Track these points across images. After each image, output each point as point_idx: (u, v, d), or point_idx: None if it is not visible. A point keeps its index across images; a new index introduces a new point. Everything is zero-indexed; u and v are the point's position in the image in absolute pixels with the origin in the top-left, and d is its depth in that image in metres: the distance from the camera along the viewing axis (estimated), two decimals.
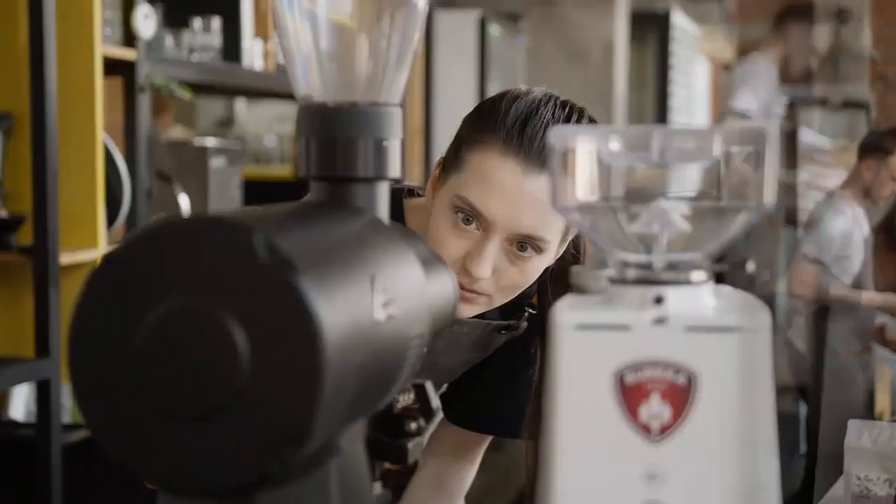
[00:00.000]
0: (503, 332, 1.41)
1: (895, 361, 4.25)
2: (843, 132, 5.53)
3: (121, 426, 0.62)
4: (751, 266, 3.83)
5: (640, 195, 0.73)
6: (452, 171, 1.28)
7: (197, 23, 3.01)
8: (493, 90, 5.72)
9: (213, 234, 0.61)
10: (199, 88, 3.19)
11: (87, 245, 2.48)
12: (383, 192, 0.81)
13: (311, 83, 0.81)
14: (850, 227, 4.10)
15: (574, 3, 5.33)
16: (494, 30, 4.89)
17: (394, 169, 0.82)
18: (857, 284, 4.12)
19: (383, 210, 0.81)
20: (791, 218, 4.76)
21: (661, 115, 7.53)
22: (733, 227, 0.70)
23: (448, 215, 1.26)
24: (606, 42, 5.42)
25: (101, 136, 2.50)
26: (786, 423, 4.22)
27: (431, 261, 0.85)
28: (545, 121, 1.24)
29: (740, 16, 9.95)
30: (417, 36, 0.83)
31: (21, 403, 2.67)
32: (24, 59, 2.38)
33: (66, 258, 2.39)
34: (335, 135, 0.79)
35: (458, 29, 4.82)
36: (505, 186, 1.22)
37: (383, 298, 0.68)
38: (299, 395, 0.60)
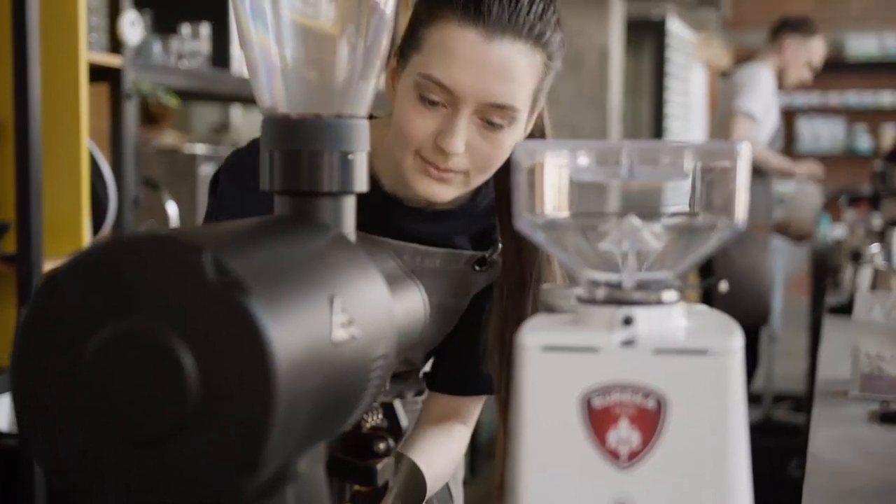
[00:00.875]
0: (477, 267, 1.39)
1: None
2: None
3: (67, 450, 0.60)
4: (724, 286, 3.86)
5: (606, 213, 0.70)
6: (412, 53, 1.26)
7: (185, 29, 2.98)
8: None
9: (161, 253, 0.59)
10: (187, 95, 3.16)
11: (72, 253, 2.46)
12: (349, 206, 0.79)
13: (274, 95, 0.79)
14: (773, 92, 4.37)
15: (569, 11, 5.30)
16: None
17: (360, 183, 0.79)
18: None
19: (349, 224, 0.79)
20: (782, 229, 4.80)
21: (658, 122, 7.51)
22: (706, 246, 0.68)
23: (412, 97, 1.24)
24: (602, 49, 5.40)
25: (87, 143, 2.47)
26: None
27: (398, 277, 0.83)
28: None
29: (736, 23, 9.95)
30: (385, 45, 0.81)
31: (5, 413, 2.64)
32: (8, 66, 2.36)
33: (50, 266, 2.37)
34: (299, 147, 0.77)
35: None
36: (467, 56, 1.20)
37: (343, 319, 0.66)
38: (250, 420, 0.57)
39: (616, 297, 0.67)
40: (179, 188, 3.06)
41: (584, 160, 0.67)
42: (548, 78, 1.28)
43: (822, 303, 3.79)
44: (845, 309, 2.84)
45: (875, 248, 3.02)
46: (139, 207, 2.75)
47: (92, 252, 0.60)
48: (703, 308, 0.73)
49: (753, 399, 5.36)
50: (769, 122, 4.43)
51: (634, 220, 0.68)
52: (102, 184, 2.54)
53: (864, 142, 9.82)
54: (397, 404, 0.87)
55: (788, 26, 4.44)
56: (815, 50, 4.52)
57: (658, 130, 7.42)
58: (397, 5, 0.85)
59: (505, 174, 1.29)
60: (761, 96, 4.37)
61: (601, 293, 0.68)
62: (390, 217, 1.37)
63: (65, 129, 2.45)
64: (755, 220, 4.44)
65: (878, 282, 2.77)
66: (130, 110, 2.64)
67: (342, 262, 0.71)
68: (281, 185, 0.77)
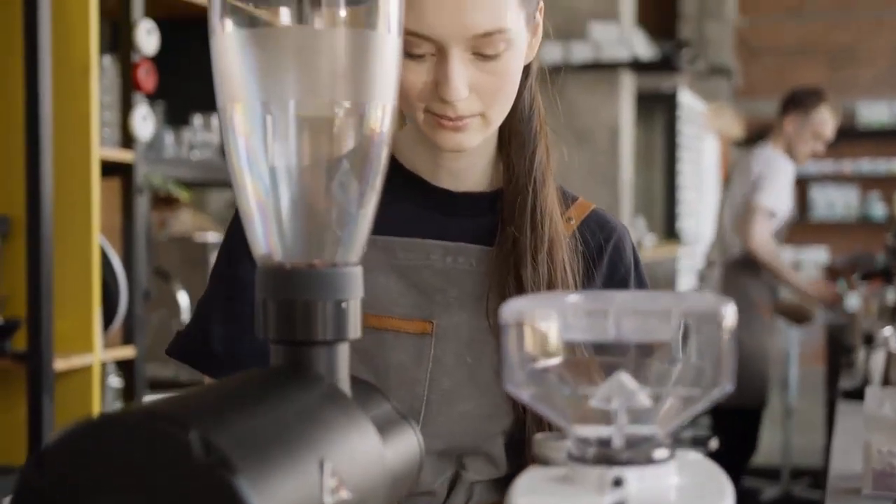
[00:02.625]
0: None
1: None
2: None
3: None
4: (714, 443, 3.85)
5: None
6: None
7: (197, 120, 3.02)
8: None
9: (148, 431, 0.59)
10: (200, 183, 3.19)
11: (83, 350, 2.46)
12: (343, 354, 0.79)
13: (269, 243, 0.80)
14: (791, 179, 4.35)
15: (579, 88, 5.34)
16: None
17: (354, 330, 0.80)
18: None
19: (343, 372, 0.79)
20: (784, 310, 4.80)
21: (670, 192, 7.53)
22: (696, 406, 0.68)
23: (402, 58, 1.16)
24: (612, 125, 5.43)
25: (98, 240, 2.50)
26: None
27: (392, 421, 0.83)
28: None
29: (748, 92, 10.02)
30: (375, 197, 0.81)
31: None
32: (21, 162, 2.39)
33: (60, 364, 2.37)
34: (293, 297, 0.78)
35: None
36: None
37: (333, 482, 0.66)
38: None
39: (606, 457, 0.67)
40: (191, 276, 3.07)
41: (571, 319, 0.67)
42: None
43: (836, 382, 3.76)
44: (859, 393, 2.82)
45: (888, 330, 3.00)
46: (150, 299, 2.77)
47: (79, 429, 0.60)
48: (696, 456, 0.73)
49: (772, 474, 5.31)
50: (786, 207, 4.44)
51: (624, 378, 0.68)
52: (114, 279, 2.55)
53: (878, 209, 9.83)
54: None
55: (789, 103, 4.45)
56: (819, 122, 4.48)
57: (671, 203, 7.45)
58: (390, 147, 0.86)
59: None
60: (782, 189, 4.36)
61: (591, 452, 0.67)
62: (417, 203, 1.28)
63: (76, 225, 2.47)
64: (760, 302, 4.44)
65: (891, 366, 2.75)
66: (142, 204, 2.67)
67: (333, 419, 0.71)
68: (275, 334, 0.78)
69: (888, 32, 9.69)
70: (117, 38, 2.72)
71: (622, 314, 0.66)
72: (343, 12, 0.76)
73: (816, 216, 10.02)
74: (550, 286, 1.22)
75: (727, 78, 9.49)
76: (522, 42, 1.19)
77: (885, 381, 2.72)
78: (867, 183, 9.89)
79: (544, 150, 1.28)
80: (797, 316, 4.80)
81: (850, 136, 9.78)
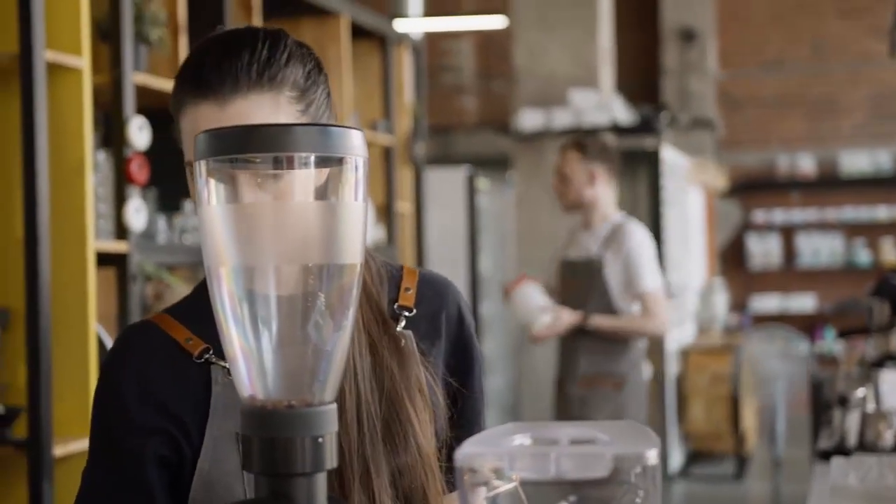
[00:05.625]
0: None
1: None
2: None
3: None
4: None
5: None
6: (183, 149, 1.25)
7: (188, 205, 3.13)
8: (483, 241, 5.84)
9: None
10: (191, 265, 3.29)
11: (81, 435, 2.55)
12: (321, 483, 0.89)
13: (253, 385, 0.90)
14: None
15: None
16: (483, 183, 5.03)
17: (331, 461, 0.90)
18: None
19: (320, 500, 0.89)
20: None
21: (656, 247, 7.63)
22: None
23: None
24: None
25: (94, 328, 2.59)
26: None
27: None
28: (224, 46, 1.23)
29: (731, 143, 10.18)
30: (348, 335, 0.91)
31: None
32: (19, 255, 2.49)
33: (59, 450, 2.46)
34: (274, 435, 0.88)
35: (447, 183, 4.95)
36: (209, 128, 1.11)
37: None
38: None
39: None
40: None
41: (517, 464, 0.77)
42: (311, 108, 1.25)
43: (818, 437, 3.84)
44: (835, 454, 2.90)
45: (861, 392, 3.09)
46: None
47: None
48: None
49: None
50: None
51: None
52: None
53: (863, 256, 9.96)
54: None
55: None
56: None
57: (657, 257, 7.54)
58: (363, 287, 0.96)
59: None
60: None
61: None
62: None
63: (74, 315, 2.57)
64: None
65: (866, 427, 2.83)
66: (135, 292, 2.77)
67: None
68: (259, 467, 0.88)
69: (865, 84, 9.87)
70: (110, 134, 2.84)
71: (561, 458, 0.76)
72: (312, 185, 0.87)
73: (803, 264, 10.14)
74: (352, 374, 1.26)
75: (710, 130, 9.65)
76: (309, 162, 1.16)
77: (861, 443, 2.80)
78: (851, 230, 10.03)
79: None
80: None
81: (833, 185, 9.94)
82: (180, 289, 3.45)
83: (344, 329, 0.91)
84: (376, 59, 4.56)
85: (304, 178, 0.88)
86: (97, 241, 2.65)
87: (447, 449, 1.29)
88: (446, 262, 4.80)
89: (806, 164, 10.05)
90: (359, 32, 4.36)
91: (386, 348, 1.29)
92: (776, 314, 9.86)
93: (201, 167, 0.88)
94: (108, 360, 1.31)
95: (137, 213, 2.76)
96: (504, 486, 0.80)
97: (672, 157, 7.87)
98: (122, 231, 2.76)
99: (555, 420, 3.59)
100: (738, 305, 9.99)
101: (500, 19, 6.64)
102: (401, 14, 4.82)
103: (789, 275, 10.18)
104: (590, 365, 4.03)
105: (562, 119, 5.34)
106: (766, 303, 10.14)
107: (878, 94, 9.83)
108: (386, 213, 4.44)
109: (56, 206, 2.54)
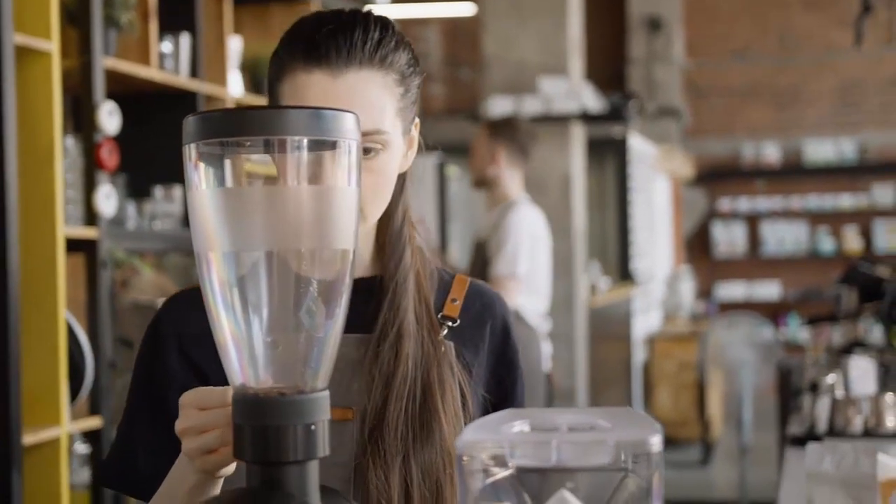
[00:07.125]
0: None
1: None
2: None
3: None
4: None
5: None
6: None
7: (159, 192, 3.10)
8: (453, 229, 5.83)
9: None
10: (162, 251, 3.26)
11: (50, 423, 2.52)
12: (313, 471, 0.88)
13: (244, 373, 0.88)
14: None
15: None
16: (452, 171, 5.02)
17: (323, 448, 0.88)
18: None
19: (313, 488, 0.88)
20: None
21: (623, 235, 7.67)
22: None
23: None
24: (564, 176, 5.55)
25: (64, 315, 2.56)
26: None
27: None
28: (337, 21, 1.25)
29: (697, 132, 10.23)
30: (340, 322, 0.90)
31: None
32: None
33: (29, 438, 2.43)
34: (266, 423, 0.86)
35: (416, 170, 4.92)
36: (318, 95, 1.21)
37: None
38: None
39: None
40: None
41: (518, 450, 0.76)
42: (409, 94, 1.29)
43: (787, 421, 3.86)
44: (806, 440, 2.91)
45: (831, 378, 3.11)
46: (116, 368, 2.83)
47: None
48: None
49: None
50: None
51: (567, 496, 0.77)
52: (80, 352, 2.61)
53: (827, 244, 10.04)
54: None
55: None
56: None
57: (624, 245, 7.58)
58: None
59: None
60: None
61: None
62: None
63: (43, 301, 2.53)
64: None
65: (836, 413, 2.85)
66: (105, 278, 2.73)
67: None
68: (251, 456, 0.86)
69: (829, 75, 9.94)
70: (80, 119, 2.80)
71: (562, 446, 0.75)
72: (306, 169, 0.85)
73: (767, 251, 10.21)
74: (391, 376, 1.26)
75: (676, 119, 9.69)
76: (398, 149, 1.28)
77: (831, 429, 2.81)
78: (815, 218, 10.11)
79: (410, 254, 1.33)
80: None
81: (798, 174, 10.01)
82: (149, 275, 3.41)
83: (336, 316, 0.90)
84: None
85: (295, 162, 0.87)
86: (66, 227, 2.61)
87: None
88: None
89: (771, 153, 10.11)
90: None
91: (429, 349, 1.29)
92: (741, 301, 9.92)
93: (190, 150, 0.87)
94: (153, 321, 1.32)
95: (107, 199, 2.72)
96: (502, 473, 0.79)
97: (639, 145, 7.90)
98: (91, 217, 2.73)
99: None
100: (704, 293, 10.05)
101: (469, 6, 6.62)
102: (370, 0, 4.79)
103: (754, 262, 10.24)
104: None
105: (531, 106, 5.33)
106: (732, 290, 10.20)
107: (842, 85, 9.90)
108: None
109: (25, 191, 2.50)
